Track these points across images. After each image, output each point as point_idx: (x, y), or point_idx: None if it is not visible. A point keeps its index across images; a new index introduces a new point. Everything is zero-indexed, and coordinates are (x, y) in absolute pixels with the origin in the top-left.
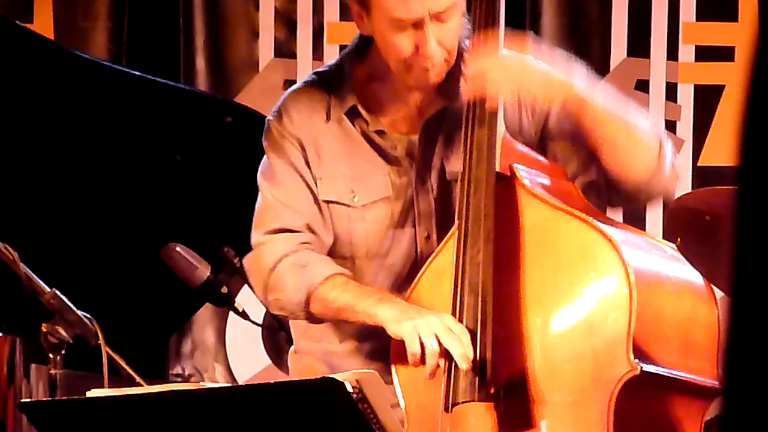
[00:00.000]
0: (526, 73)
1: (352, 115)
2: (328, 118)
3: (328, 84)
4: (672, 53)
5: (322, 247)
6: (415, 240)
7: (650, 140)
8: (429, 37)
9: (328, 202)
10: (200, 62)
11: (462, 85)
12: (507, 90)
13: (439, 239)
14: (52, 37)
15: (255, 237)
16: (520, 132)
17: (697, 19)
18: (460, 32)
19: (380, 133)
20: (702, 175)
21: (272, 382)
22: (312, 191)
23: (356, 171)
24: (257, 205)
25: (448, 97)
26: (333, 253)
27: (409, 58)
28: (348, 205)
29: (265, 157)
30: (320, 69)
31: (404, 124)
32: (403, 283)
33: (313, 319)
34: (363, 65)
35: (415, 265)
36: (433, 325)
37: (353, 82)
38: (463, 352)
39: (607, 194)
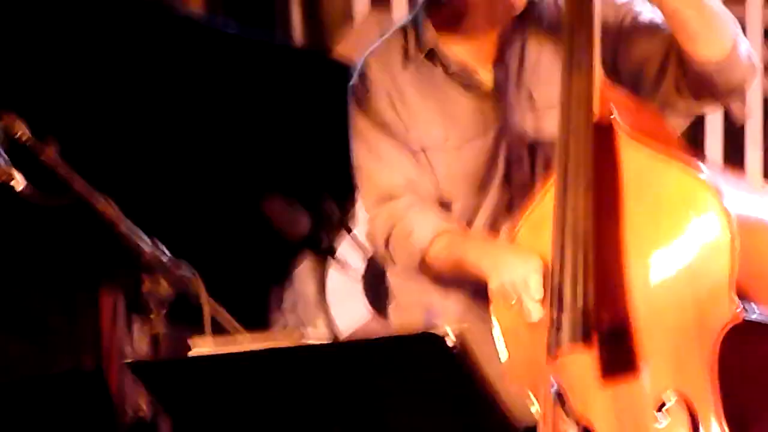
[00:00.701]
0: None
1: (432, 56)
2: (407, 65)
3: (405, 34)
4: None
5: (428, 199)
6: (509, 169)
7: (725, 23)
8: None
9: (423, 149)
10: (296, 16)
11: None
12: None
13: (531, 168)
14: None
15: (365, 209)
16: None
17: None
18: None
19: (463, 71)
20: None
21: (371, 338)
22: (407, 145)
23: (445, 113)
24: (356, 171)
25: (528, 23)
26: (440, 197)
27: None
28: (443, 150)
29: (354, 126)
30: (398, 24)
31: (486, 57)
32: (501, 217)
33: (430, 277)
34: (439, 8)
35: (511, 195)
36: (514, 280)
37: (431, 24)
38: (536, 306)
39: (676, 85)
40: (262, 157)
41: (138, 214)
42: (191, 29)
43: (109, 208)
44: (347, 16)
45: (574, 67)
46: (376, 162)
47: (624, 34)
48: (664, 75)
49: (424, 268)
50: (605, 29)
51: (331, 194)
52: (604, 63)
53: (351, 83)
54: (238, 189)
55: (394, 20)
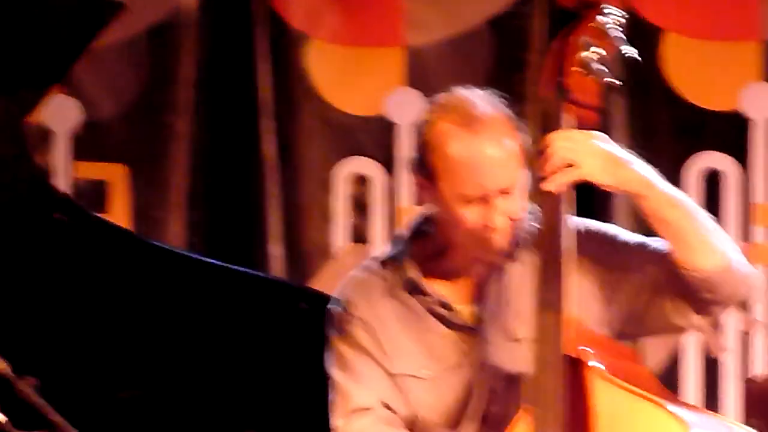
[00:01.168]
0: (592, 150)
1: (413, 290)
2: (388, 296)
3: (386, 264)
4: (745, 235)
5: (400, 423)
6: (484, 404)
7: (718, 233)
8: (496, 211)
9: (400, 375)
10: (275, 248)
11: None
12: (582, 170)
13: (507, 402)
14: (128, 227)
15: (334, 423)
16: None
17: None
18: (524, 201)
19: (444, 304)
20: None
21: None
22: (384, 369)
23: (423, 344)
24: (331, 389)
25: (508, 261)
26: (414, 427)
27: (476, 230)
28: (419, 377)
29: (331, 346)
30: (378, 255)
31: (466, 294)
32: None
33: None
34: (422, 243)
35: (486, 429)
36: None
37: (413, 259)
38: None
39: (673, 302)
40: (240, 390)
41: None
42: (169, 259)
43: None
44: (326, 248)
45: (544, 302)
46: (351, 379)
47: (606, 264)
48: (660, 294)
49: None
50: (586, 262)
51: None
52: (592, 295)
53: (330, 310)
54: (214, 422)
55: (373, 253)
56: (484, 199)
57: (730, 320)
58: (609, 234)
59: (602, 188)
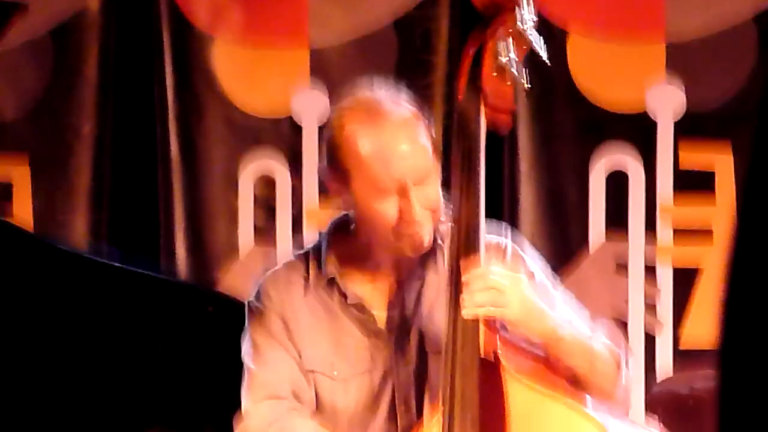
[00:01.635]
0: (517, 291)
1: (331, 289)
2: (306, 292)
3: (306, 260)
4: (650, 235)
5: (309, 412)
6: (395, 411)
7: (612, 368)
8: (413, 202)
9: (310, 371)
10: (180, 249)
11: (440, 259)
12: (500, 305)
13: (418, 410)
14: (31, 228)
15: (243, 406)
16: None
17: (675, 202)
18: (440, 195)
19: (359, 307)
20: (683, 358)
21: None
22: (296, 360)
23: (336, 344)
24: (243, 383)
25: (426, 268)
26: (322, 420)
27: (396, 224)
28: (329, 377)
29: (247, 337)
30: (298, 251)
31: (383, 298)
32: None
33: None
34: (343, 242)
35: None
36: None
37: (333, 256)
38: None
39: None
40: (146, 389)
41: None
42: (74, 262)
43: None
44: (232, 249)
45: (459, 306)
46: (264, 367)
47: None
48: None
49: None
50: None
51: (211, 424)
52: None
53: (248, 301)
54: (119, 419)
55: (279, 254)
56: (400, 192)
57: (635, 322)
58: (533, 268)
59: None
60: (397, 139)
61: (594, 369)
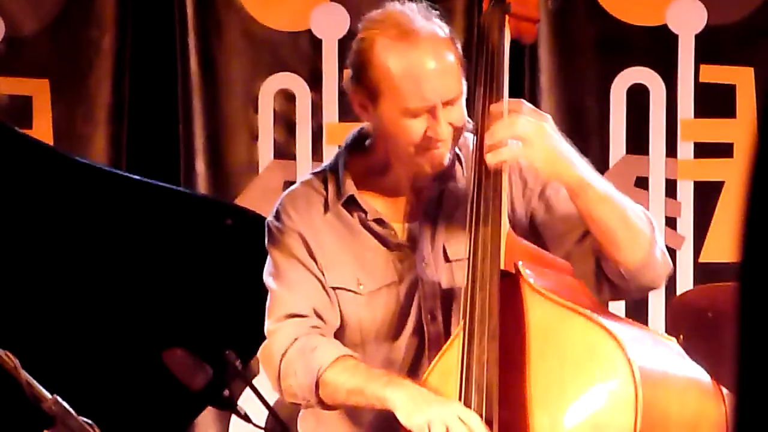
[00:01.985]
0: (542, 139)
1: (350, 205)
2: (326, 210)
3: (324, 179)
4: (671, 150)
5: (331, 331)
6: (421, 322)
7: (644, 227)
8: (441, 121)
9: (335, 288)
10: (200, 165)
11: (459, 168)
12: (526, 153)
13: (444, 320)
14: (51, 142)
15: (267, 325)
16: (512, 214)
17: (696, 116)
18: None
19: (379, 221)
20: (703, 272)
21: None
22: (318, 279)
23: (359, 259)
24: (268, 301)
25: (445, 179)
26: (343, 338)
27: (420, 141)
28: (355, 292)
29: (269, 257)
30: (316, 169)
31: (403, 211)
32: (412, 364)
33: (324, 405)
34: (360, 159)
35: (422, 346)
36: (444, 417)
37: (350, 174)
38: None
39: (598, 282)
40: (164, 308)
41: (35, 368)
42: (93, 175)
43: (6, 358)
44: (251, 164)
45: (481, 218)
46: (285, 287)
47: (543, 201)
48: (580, 261)
49: (315, 390)
50: (523, 189)
51: (232, 345)
52: (518, 221)
53: (267, 220)
54: (138, 339)
55: (298, 170)
56: (429, 112)
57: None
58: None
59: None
60: (429, 58)
61: (626, 222)
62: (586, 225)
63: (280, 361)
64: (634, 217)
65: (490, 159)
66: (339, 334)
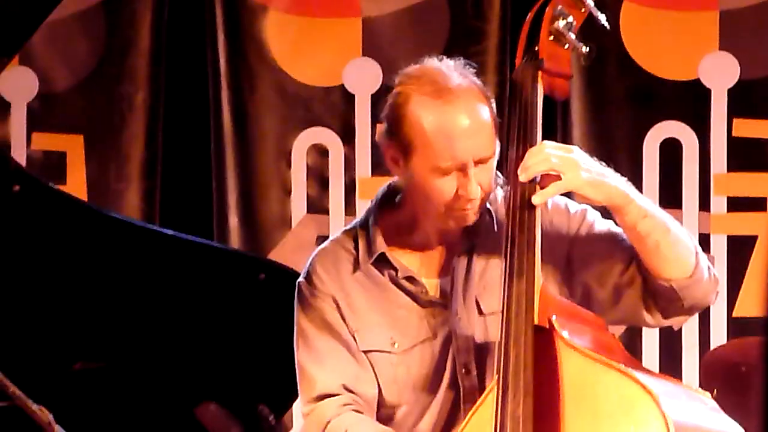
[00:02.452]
0: (578, 162)
1: (381, 263)
2: (355, 269)
3: (354, 237)
4: (704, 204)
5: (367, 403)
6: (456, 376)
7: (687, 241)
8: (472, 180)
9: (369, 351)
10: (233, 220)
11: (490, 223)
12: (568, 181)
13: (479, 373)
14: (85, 198)
15: (301, 408)
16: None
17: (728, 170)
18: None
19: (410, 279)
20: (737, 326)
21: None
22: (349, 347)
23: (392, 318)
24: (297, 369)
25: (475, 234)
26: (381, 401)
27: (451, 201)
28: (389, 352)
29: (297, 321)
30: (347, 226)
31: (434, 267)
32: (448, 419)
33: None
34: (390, 215)
35: (458, 400)
36: None
37: (380, 230)
38: None
39: (647, 305)
40: (198, 363)
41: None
42: (126, 231)
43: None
44: (284, 218)
45: (515, 272)
46: (316, 361)
47: (579, 243)
48: (628, 288)
49: None
50: (558, 237)
51: (265, 400)
52: (554, 272)
53: (298, 282)
54: (172, 394)
55: (331, 224)
56: (461, 170)
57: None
58: (586, 215)
59: (585, 201)
60: (463, 116)
61: (671, 236)
62: (632, 243)
63: None
64: (678, 231)
65: (536, 200)
66: (377, 398)
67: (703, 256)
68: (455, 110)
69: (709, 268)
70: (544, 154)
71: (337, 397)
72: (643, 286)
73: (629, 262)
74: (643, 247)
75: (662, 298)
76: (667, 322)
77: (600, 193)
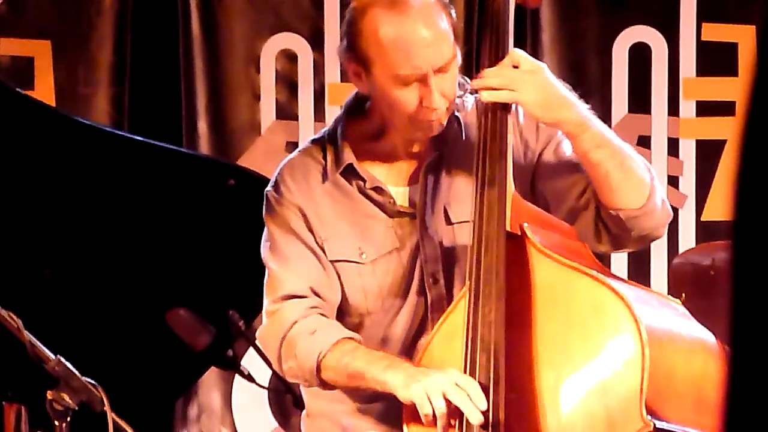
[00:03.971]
0: (535, 81)
1: (349, 174)
2: (324, 179)
3: (322, 147)
4: (673, 109)
5: (330, 308)
6: (424, 285)
7: (643, 173)
8: (433, 89)
9: (336, 261)
10: (202, 126)
11: (458, 131)
12: (519, 95)
13: (446, 282)
14: (53, 103)
15: (265, 306)
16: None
17: (698, 75)
18: (457, 79)
19: (378, 189)
20: (705, 230)
21: None
22: (316, 254)
23: (360, 228)
24: (265, 277)
25: (443, 143)
26: (348, 310)
27: (414, 111)
28: (357, 262)
29: (265, 228)
30: (315, 136)
31: (402, 176)
32: (417, 330)
33: (326, 385)
34: (358, 124)
35: (426, 309)
36: (440, 384)
37: (348, 141)
38: (471, 407)
39: (597, 231)
40: (167, 269)
41: (39, 329)
42: (94, 136)
43: (9, 319)
44: (254, 124)
45: (486, 179)
46: (282, 264)
47: (543, 160)
48: (583, 212)
49: (317, 373)
50: (525, 149)
51: (235, 305)
52: (520, 183)
53: (266, 191)
54: (141, 300)
55: (300, 130)
56: (421, 80)
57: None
58: (554, 134)
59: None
60: (419, 26)
61: (626, 167)
62: (585, 169)
63: (280, 344)
64: (633, 164)
65: (485, 97)
66: (343, 305)
67: (658, 188)
68: (409, 20)
69: (663, 201)
70: (500, 71)
71: (304, 299)
72: (595, 212)
73: (586, 187)
74: (593, 175)
75: (612, 226)
76: (616, 251)
77: (549, 115)
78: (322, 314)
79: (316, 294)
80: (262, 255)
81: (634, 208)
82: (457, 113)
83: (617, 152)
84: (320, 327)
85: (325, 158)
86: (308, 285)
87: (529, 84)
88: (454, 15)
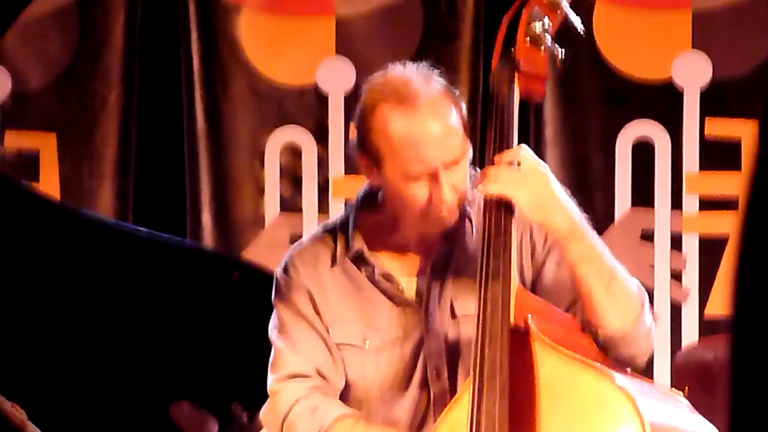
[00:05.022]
0: (533, 181)
1: (358, 261)
2: (333, 264)
3: (334, 235)
4: (676, 203)
5: (334, 391)
6: (427, 379)
7: (629, 300)
8: (443, 184)
9: (340, 344)
10: (206, 218)
11: (468, 226)
12: (515, 192)
13: (450, 377)
14: (58, 195)
15: (269, 385)
16: (520, 276)
17: (701, 170)
18: (468, 173)
19: (387, 276)
20: (709, 326)
21: None
22: (323, 338)
23: (365, 315)
24: (270, 359)
25: (453, 239)
26: (348, 396)
27: (425, 206)
28: (360, 348)
29: (275, 311)
30: (326, 223)
31: (411, 268)
32: (419, 424)
33: None
34: (370, 215)
35: (429, 403)
36: None
37: (360, 230)
38: None
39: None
40: (171, 362)
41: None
42: (99, 230)
43: (14, 411)
44: (258, 218)
45: (490, 273)
46: (289, 345)
47: (546, 267)
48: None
49: None
50: (531, 252)
51: (238, 398)
52: (522, 280)
53: (276, 273)
54: (145, 394)
55: (304, 224)
56: (431, 175)
57: (661, 290)
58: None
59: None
60: (429, 122)
61: (612, 288)
62: (572, 280)
63: (282, 422)
64: (621, 287)
65: (481, 190)
66: (344, 391)
67: (646, 317)
68: (419, 117)
69: (649, 331)
70: (499, 171)
71: (308, 378)
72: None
73: (574, 301)
74: (577, 288)
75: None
76: None
77: (539, 216)
78: (325, 394)
79: (322, 376)
80: (270, 334)
81: (615, 331)
82: (468, 207)
83: (605, 272)
84: (321, 405)
85: (335, 245)
86: (314, 366)
87: (526, 183)
88: (464, 108)
